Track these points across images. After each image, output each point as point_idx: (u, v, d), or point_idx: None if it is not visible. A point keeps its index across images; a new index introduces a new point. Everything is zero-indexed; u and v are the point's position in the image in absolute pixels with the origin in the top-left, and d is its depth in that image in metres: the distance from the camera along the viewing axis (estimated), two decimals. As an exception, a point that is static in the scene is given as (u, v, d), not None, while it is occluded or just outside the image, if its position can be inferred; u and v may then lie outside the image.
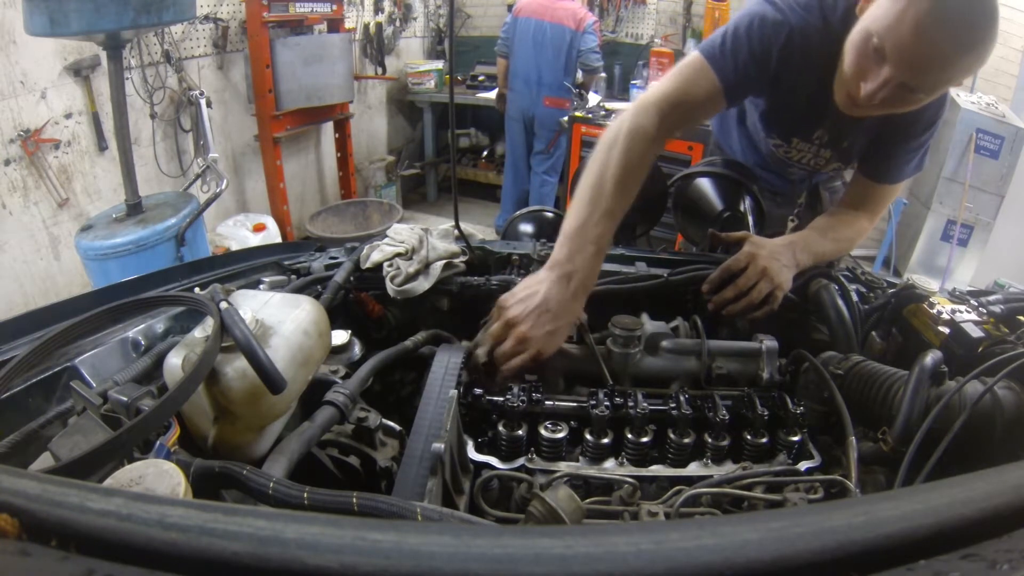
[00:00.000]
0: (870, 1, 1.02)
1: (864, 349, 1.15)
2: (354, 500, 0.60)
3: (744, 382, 1.03)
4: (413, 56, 5.36)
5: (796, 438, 0.91)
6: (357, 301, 1.24)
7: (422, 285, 1.20)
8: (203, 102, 3.23)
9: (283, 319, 0.80)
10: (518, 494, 0.84)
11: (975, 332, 0.98)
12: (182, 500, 0.52)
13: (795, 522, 0.36)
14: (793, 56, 1.15)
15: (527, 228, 1.65)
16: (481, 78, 5.12)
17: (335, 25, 4.11)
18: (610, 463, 0.90)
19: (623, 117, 1.13)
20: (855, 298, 1.18)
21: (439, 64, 5.09)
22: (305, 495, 0.62)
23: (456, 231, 1.31)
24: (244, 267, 1.29)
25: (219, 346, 0.71)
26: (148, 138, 3.32)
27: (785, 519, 0.36)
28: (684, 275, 1.23)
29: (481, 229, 4.57)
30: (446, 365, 0.94)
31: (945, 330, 1.04)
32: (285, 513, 0.38)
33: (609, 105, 4.19)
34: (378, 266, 1.24)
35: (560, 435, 0.88)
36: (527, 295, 0.98)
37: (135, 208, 2.68)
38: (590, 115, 4.00)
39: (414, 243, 1.25)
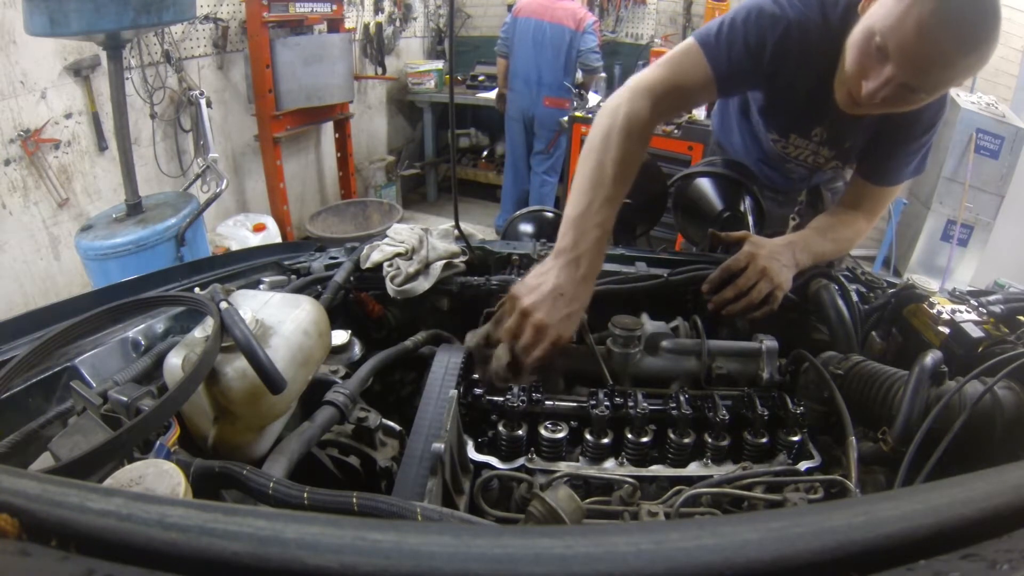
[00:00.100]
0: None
1: (864, 349, 1.14)
2: (354, 500, 0.60)
3: (744, 382, 1.03)
4: (413, 56, 5.36)
5: (796, 438, 0.91)
6: (357, 301, 1.24)
7: (422, 285, 1.20)
8: (203, 102, 3.23)
9: (283, 319, 0.80)
10: (518, 494, 0.84)
11: (975, 332, 0.98)
12: (182, 500, 0.52)
13: (795, 522, 0.36)
14: (790, 51, 1.15)
15: (527, 228, 1.65)
16: (481, 78, 5.12)
17: (335, 25, 4.11)
18: (610, 463, 0.90)
19: (618, 102, 1.12)
20: (855, 298, 1.18)
21: (439, 64, 5.09)
22: (305, 495, 0.62)
23: (456, 231, 1.31)
24: (244, 267, 1.29)
25: (219, 346, 0.71)
26: (148, 138, 3.32)
27: (785, 519, 0.36)
28: (684, 275, 1.23)
29: (481, 229, 4.57)
30: (446, 365, 0.94)
31: (945, 330, 1.04)
32: (285, 513, 0.38)
33: (609, 105, 4.19)
34: (378, 266, 1.24)
35: (560, 435, 0.88)
36: (538, 283, 0.97)
37: (135, 208, 2.68)
38: (590, 115, 3.99)
39: (414, 243, 1.25)
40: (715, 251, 1.45)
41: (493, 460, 0.88)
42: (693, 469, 0.90)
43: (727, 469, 0.89)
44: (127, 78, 2.81)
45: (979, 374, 0.84)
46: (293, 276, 1.27)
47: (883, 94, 1.02)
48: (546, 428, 0.89)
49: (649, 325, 1.08)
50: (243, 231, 3.68)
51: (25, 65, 2.72)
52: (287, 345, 0.77)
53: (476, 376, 0.98)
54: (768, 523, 0.36)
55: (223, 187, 2.89)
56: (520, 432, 0.89)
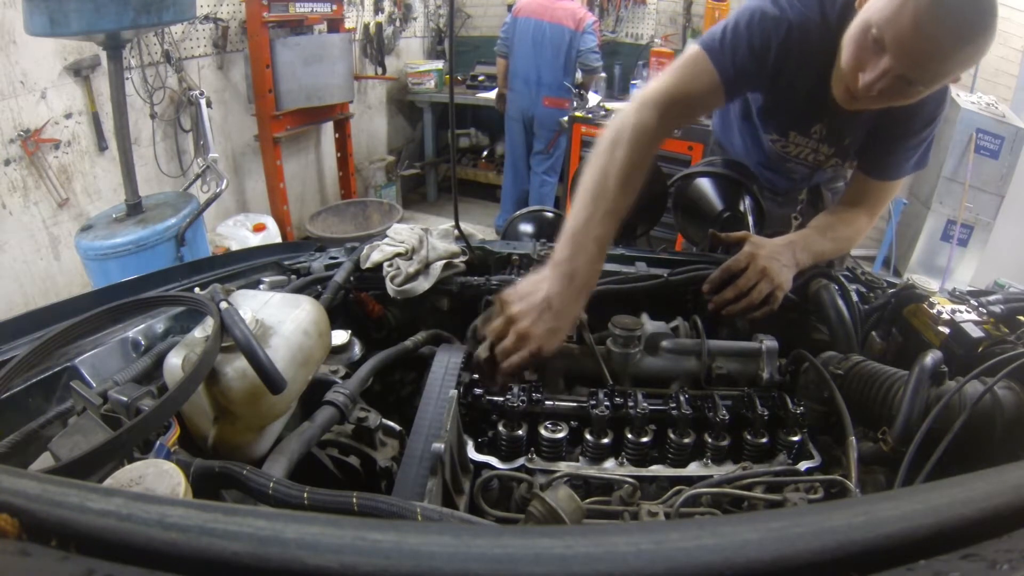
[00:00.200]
0: None
1: (864, 349, 1.14)
2: (354, 500, 0.60)
3: (744, 382, 1.03)
4: (413, 56, 5.36)
5: (796, 438, 0.91)
6: (357, 301, 1.24)
7: (422, 285, 1.20)
8: (203, 102, 3.23)
9: (283, 319, 0.80)
10: (518, 494, 0.84)
11: (975, 332, 0.98)
12: (182, 500, 0.52)
13: (795, 522, 0.36)
14: (792, 52, 1.15)
15: (527, 228, 1.65)
16: (481, 78, 5.12)
17: (335, 25, 4.11)
18: (610, 463, 0.90)
19: (624, 114, 1.13)
20: (855, 298, 1.18)
21: (439, 64, 5.09)
22: (305, 495, 0.62)
23: (456, 231, 1.31)
24: (244, 267, 1.29)
25: (219, 346, 0.71)
26: (148, 138, 3.32)
27: (785, 519, 0.36)
28: (684, 275, 1.23)
29: (481, 229, 4.57)
30: (446, 365, 0.94)
31: (945, 330, 1.04)
32: (285, 513, 0.38)
33: (609, 105, 4.19)
34: (378, 266, 1.24)
35: (560, 435, 0.88)
36: (529, 292, 0.98)
37: (135, 208, 2.68)
38: (590, 115, 4.00)
39: (414, 243, 1.25)
40: (715, 251, 1.45)
41: (493, 460, 0.88)
42: (693, 469, 0.90)
43: (727, 469, 0.89)
44: (127, 78, 2.81)
45: (979, 374, 0.84)
46: (293, 276, 1.27)
47: (880, 86, 1.02)
48: (546, 428, 0.89)
49: (649, 325, 1.08)
50: (243, 231, 3.68)
51: (25, 65, 2.71)
52: (287, 345, 0.77)
53: (476, 376, 0.99)
54: (768, 523, 0.36)
55: (223, 187, 2.89)
56: (520, 432, 0.89)
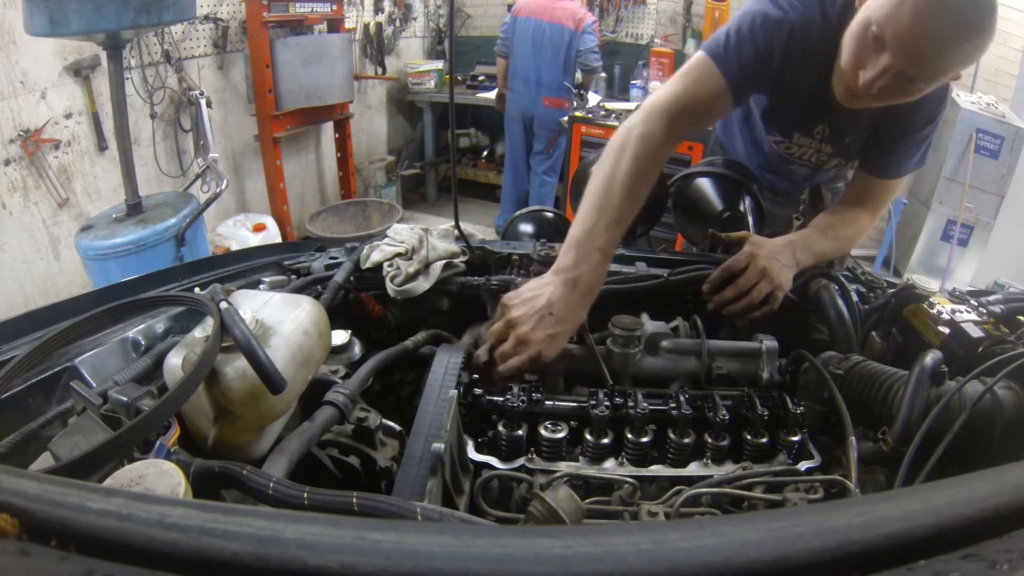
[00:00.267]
0: None
1: (864, 349, 1.14)
2: (354, 500, 0.60)
3: (744, 382, 1.03)
4: (413, 56, 5.36)
5: (796, 438, 0.91)
6: (357, 301, 1.24)
7: (422, 285, 1.20)
8: (203, 102, 3.24)
9: (283, 319, 0.80)
10: (518, 494, 0.84)
11: (975, 332, 0.98)
12: (182, 500, 0.52)
13: (795, 522, 0.36)
14: (794, 53, 1.16)
15: (527, 228, 1.65)
16: (481, 78, 5.12)
17: (335, 25, 4.11)
18: (610, 463, 0.90)
19: (631, 123, 1.13)
20: (855, 298, 1.18)
21: (439, 64, 5.09)
22: (305, 495, 0.62)
23: (456, 231, 1.31)
24: (244, 267, 1.29)
25: (219, 346, 0.71)
26: (148, 138, 3.32)
27: (785, 519, 0.36)
28: (684, 275, 1.23)
29: (481, 229, 4.57)
30: (446, 365, 0.94)
31: (945, 330, 1.04)
32: (285, 513, 0.38)
33: (609, 105, 4.19)
34: (378, 266, 1.24)
35: (560, 435, 0.88)
36: (531, 296, 0.98)
37: (135, 208, 2.68)
38: (590, 115, 4.00)
39: (414, 243, 1.25)
40: (715, 251, 1.45)
41: (493, 460, 0.88)
42: (693, 469, 0.89)
43: (727, 469, 0.89)
44: (127, 78, 2.81)
45: (979, 374, 0.84)
46: (293, 276, 1.27)
47: (880, 84, 1.02)
48: (546, 428, 0.89)
49: (649, 325, 1.08)
50: (243, 231, 3.68)
51: (25, 65, 2.72)
52: (287, 345, 0.77)
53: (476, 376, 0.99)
54: (768, 523, 0.36)
55: (223, 187, 2.90)
56: (520, 432, 0.89)
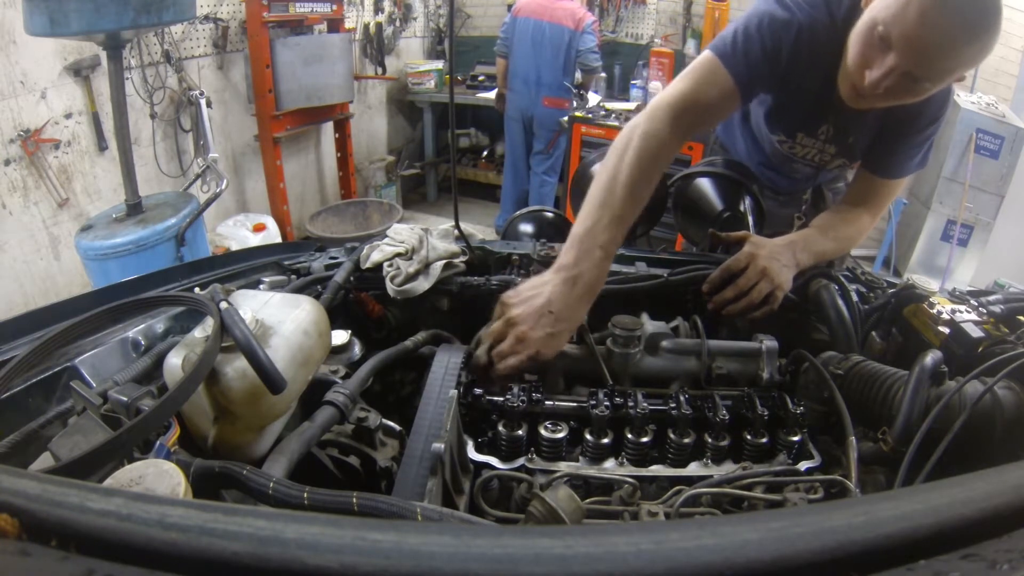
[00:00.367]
0: None
1: (864, 349, 1.14)
2: (354, 500, 0.60)
3: (744, 382, 1.03)
4: (413, 56, 5.36)
5: (796, 438, 0.91)
6: (357, 301, 1.24)
7: (422, 285, 1.20)
8: (203, 102, 3.24)
9: (283, 319, 0.80)
10: (518, 494, 0.84)
11: (975, 332, 0.98)
12: (182, 500, 0.52)
13: (795, 522, 0.36)
14: (801, 53, 1.16)
15: (527, 228, 1.65)
16: (481, 78, 5.12)
17: (335, 25, 4.11)
18: (610, 463, 0.90)
19: (636, 122, 1.13)
20: (855, 298, 1.18)
21: (439, 64, 5.09)
22: (305, 495, 0.62)
23: (456, 231, 1.31)
24: (244, 267, 1.29)
25: (219, 346, 0.71)
26: (148, 138, 3.32)
27: (785, 519, 0.36)
28: (684, 275, 1.23)
29: (481, 229, 4.57)
30: (446, 365, 0.94)
31: (945, 330, 1.04)
32: (285, 513, 0.38)
33: (609, 105, 4.19)
34: (378, 266, 1.24)
35: (560, 435, 0.88)
36: (531, 295, 0.98)
37: (135, 208, 2.68)
38: (590, 115, 4.00)
39: (414, 243, 1.25)
40: (715, 251, 1.45)
41: (493, 460, 0.88)
42: (693, 469, 0.89)
43: (727, 469, 0.88)
44: (127, 78, 2.81)
45: (979, 374, 0.84)
46: (293, 276, 1.27)
47: (886, 84, 1.02)
48: (546, 428, 0.89)
49: (649, 325, 1.08)
50: (243, 231, 3.68)
51: (25, 65, 2.72)
52: (287, 345, 0.77)
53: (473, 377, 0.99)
54: (768, 523, 0.36)
55: (223, 187, 2.90)
56: (520, 432, 0.89)
